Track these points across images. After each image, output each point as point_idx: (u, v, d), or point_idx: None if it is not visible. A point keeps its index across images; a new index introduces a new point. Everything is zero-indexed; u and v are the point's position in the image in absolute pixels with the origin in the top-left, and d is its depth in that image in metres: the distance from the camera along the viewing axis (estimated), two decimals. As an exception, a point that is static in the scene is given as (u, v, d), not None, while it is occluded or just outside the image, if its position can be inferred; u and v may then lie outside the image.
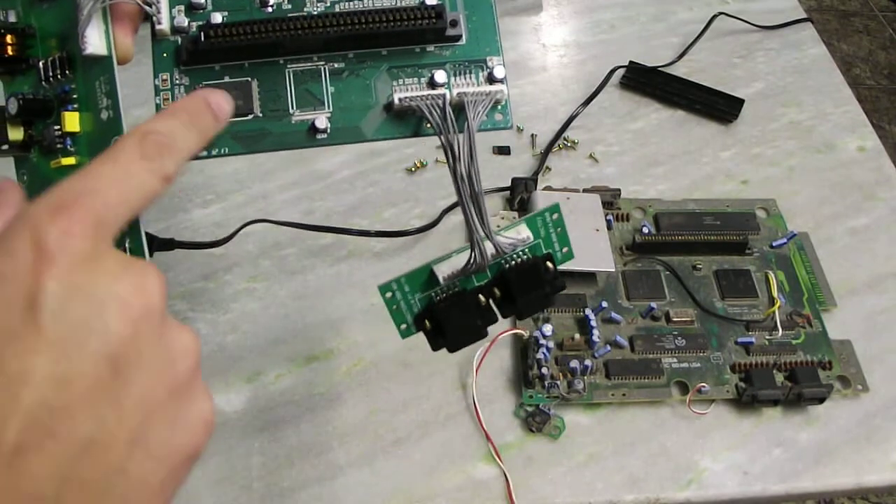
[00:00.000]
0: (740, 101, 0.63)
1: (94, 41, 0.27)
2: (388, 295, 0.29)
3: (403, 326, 0.30)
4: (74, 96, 0.28)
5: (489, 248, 0.29)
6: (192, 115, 0.26)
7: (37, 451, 0.19)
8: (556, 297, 0.31)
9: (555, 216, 0.30)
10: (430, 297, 0.30)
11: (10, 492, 0.19)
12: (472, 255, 0.29)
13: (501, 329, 0.46)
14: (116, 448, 0.20)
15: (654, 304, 0.49)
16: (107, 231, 0.22)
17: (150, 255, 0.32)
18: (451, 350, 0.30)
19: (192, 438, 0.23)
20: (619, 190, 0.54)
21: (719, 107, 0.63)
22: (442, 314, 0.29)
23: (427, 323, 0.30)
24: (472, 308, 0.30)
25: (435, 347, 0.30)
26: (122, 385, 0.21)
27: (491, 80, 0.31)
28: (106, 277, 0.21)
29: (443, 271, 0.29)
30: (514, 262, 0.30)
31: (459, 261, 0.29)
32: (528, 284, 0.30)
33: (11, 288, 0.20)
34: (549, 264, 0.30)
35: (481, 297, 0.30)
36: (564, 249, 0.31)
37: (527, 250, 0.30)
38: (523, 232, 0.30)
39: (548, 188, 0.55)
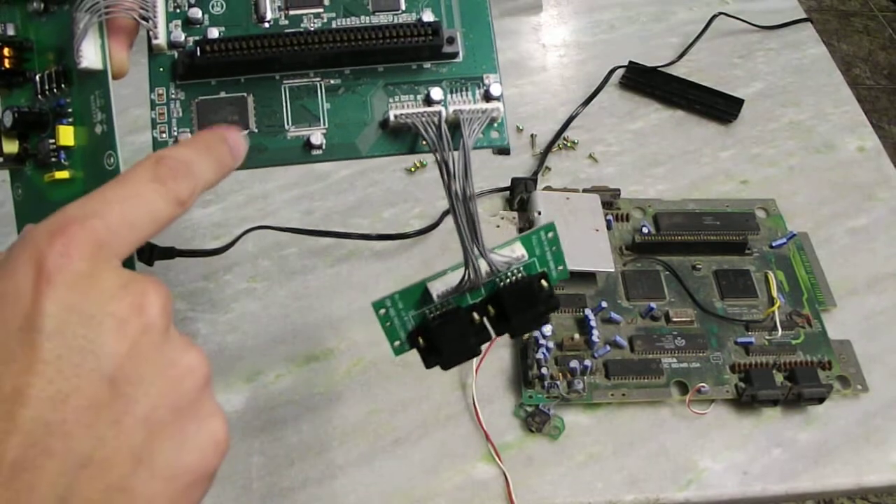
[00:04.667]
0: (740, 101, 0.63)
1: (90, 55, 0.27)
2: (382, 311, 0.29)
3: (397, 343, 0.30)
4: (69, 110, 0.28)
5: (483, 265, 0.29)
6: (208, 144, 0.26)
7: (35, 468, 0.19)
8: (549, 315, 0.31)
9: (550, 234, 0.30)
10: (423, 314, 0.30)
11: None
12: (466, 273, 0.28)
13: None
14: (118, 466, 0.20)
15: (653, 304, 0.49)
16: (109, 252, 0.22)
17: (151, 263, 0.32)
18: (445, 368, 0.30)
19: (201, 458, 0.22)
20: (619, 190, 0.54)
21: (719, 107, 0.63)
22: (436, 332, 0.29)
23: (420, 340, 0.30)
24: (466, 326, 0.29)
25: (428, 365, 0.30)
26: (123, 403, 0.21)
27: (487, 97, 0.31)
28: (102, 297, 0.21)
29: (437, 288, 0.29)
30: (508, 281, 0.30)
31: (454, 278, 0.29)
32: (523, 303, 0.29)
33: (10, 308, 0.20)
34: (544, 283, 0.30)
35: (475, 314, 0.30)
36: (560, 268, 0.31)
37: (521, 268, 0.30)
38: (518, 250, 0.30)
39: (548, 188, 0.55)
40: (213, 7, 0.31)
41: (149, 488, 0.21)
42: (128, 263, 0.25)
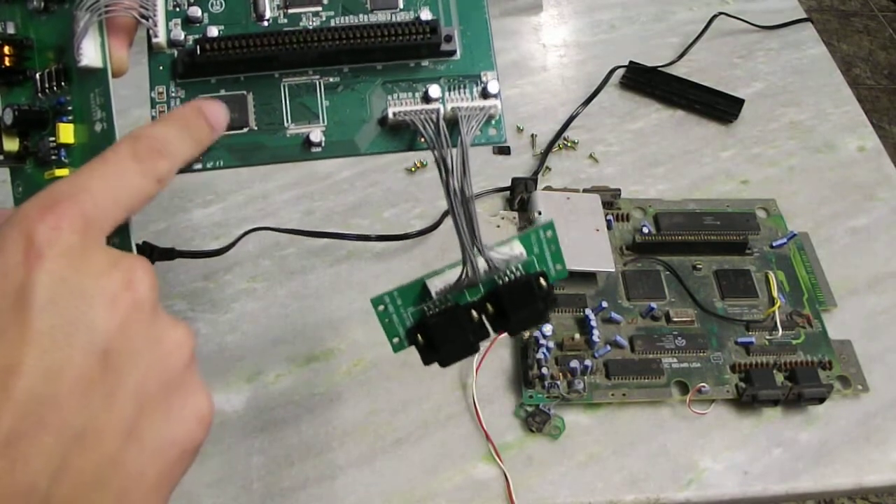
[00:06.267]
0: (740, 101, 0.63)
1: (90, 53, 0.27)
2: (381, 308, 0.29)
3: (396, 340, 0.30)
4: (69, 108, 0.28)
5: (481, 263, 0.29)
6: (186, 121, 0.27)
7: (29, 441, 0.19)
8: (548, 314, 0.31)
9: (549, 233, 0.30)
10: (422, 311, 0.30)
11: (4, 481, 0.19)
12: (464, 270, 0.29)
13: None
14: (110, 440, 0.21)
15: (654, 304, 0.49)
16: (97, 228, 0.22)
17: (152, 263, 0.32)
18: (443, 365, 0.30)
19: (187, 432, 0.23)
20: (619, 190, 0.54)
21: (719, 107, 0.63)
22: (434, 329, 0.29)
23: (419, 337, 0.30)
24: (465, 323, 0.29)
25: (427, 362, 0.30)
26: (114, 377, 0.21)
27: (485, 94, 0.31)
28: (94, 272, 0.21)
29: (435, 286, 0.29)
30: (507, 279, 0.30)
31: (452, 275, 0.29)
32: (521, 301, 0.29)
33: (2, 282, 0.20)
34: (543, 281, 0.30)
35: (473, 312, 0.30)
36: (558, 267, 0.31)
37: (520, 266, 0.30)
38: (516, 248, 0.30)
39: (548, 188, 0.55)
40: (212, 6, 0.31)
41: (139, 462, 0.21)
42: (124, 247, 0.25)
